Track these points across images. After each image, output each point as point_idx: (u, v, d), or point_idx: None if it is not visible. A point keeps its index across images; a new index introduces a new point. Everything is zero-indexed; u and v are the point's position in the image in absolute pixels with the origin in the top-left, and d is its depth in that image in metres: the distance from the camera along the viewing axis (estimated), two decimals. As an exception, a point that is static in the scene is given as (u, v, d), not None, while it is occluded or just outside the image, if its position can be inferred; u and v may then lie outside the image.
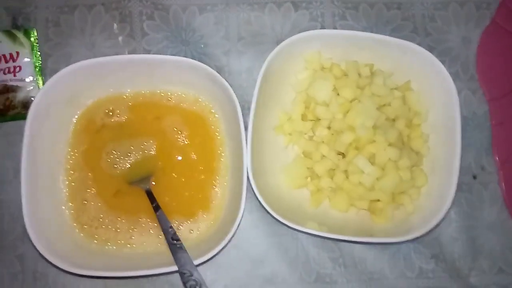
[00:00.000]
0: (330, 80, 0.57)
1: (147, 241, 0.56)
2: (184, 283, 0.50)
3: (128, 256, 0.55)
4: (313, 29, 0.61)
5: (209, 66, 0.56)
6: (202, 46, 0.63)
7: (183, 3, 0.64)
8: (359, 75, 0.58)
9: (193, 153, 0.58)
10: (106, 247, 0.55)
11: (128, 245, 0.56)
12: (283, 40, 0.56)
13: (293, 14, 0.65)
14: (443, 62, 0.61)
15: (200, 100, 0.59)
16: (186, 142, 0.58)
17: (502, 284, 0.60)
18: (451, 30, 0.65)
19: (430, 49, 0.64)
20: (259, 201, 0.53)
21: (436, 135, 0.57)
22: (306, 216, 0.57)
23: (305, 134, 0.59)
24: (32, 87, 0.61)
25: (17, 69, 0.61)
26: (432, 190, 0.56)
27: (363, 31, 0.64)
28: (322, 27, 0.64)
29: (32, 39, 0.62)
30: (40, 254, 0.51)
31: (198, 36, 0.64)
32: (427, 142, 0.58)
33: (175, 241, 0.52)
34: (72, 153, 0.57)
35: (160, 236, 0.55)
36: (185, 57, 0.61)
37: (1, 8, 0.63)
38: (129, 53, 0.62)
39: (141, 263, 0.53)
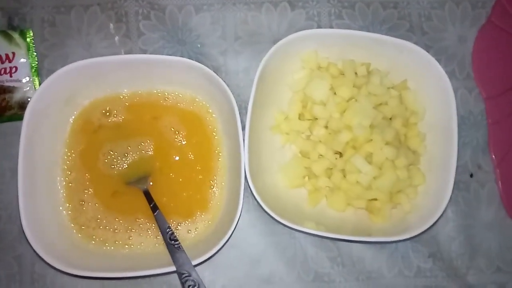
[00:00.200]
0: (327, 79, 0.57)
1: (145, 241, 0.56)
2: (182, 284, 0.50)
3: (126, 256, 0.55)
4: (309, 28, 0.62)
5: (206, 66, 0.56)
6: (199, 45, 0.63)
7: (179, 3, 0.64)
8: (356, 74, 0.58)
9: (190, 153, 0.58)
10: (104, 248, 0.55)
11: (126, 246, 0.55)
12: (280, 40, 0.56)
13: (289, 13, 0.65)
14: (439, 61, 0.61)
15: (197, 100, 0.59)
16: (184, 142, 0.58)
17: (499, 282, 0.61)
18: (447, 29, 0.66)
19: (427, 48, 0.64)
20: (256, 201, 0.53)
21: (433, 134, 0.58)
22: (303, 216, 0.57)
23: (302, 133, 0.59)
24: (28, 88, 0.61)
25: (13, 69, 0.61)
26: (429, 189, 0.56)
27: (359, 30, 0.64)
28: (319, 26, 0.64)
29: (28, 39, 0.62)
30: (37, 255, 0.51)
31: (195, 36, 0.63)
32: (424, 141, 0.58)
33: (173, 242, 0.52)
34: (69, 154, 0.57)
35: (158, 237, 0.55)
36: (182, 57, 0.61)
37: (-3, 8, 0.63)
38: (126, 53, 0.62)
39: (139, 264, 0.53)
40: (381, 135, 0.54)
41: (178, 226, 0.56)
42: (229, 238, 0.52)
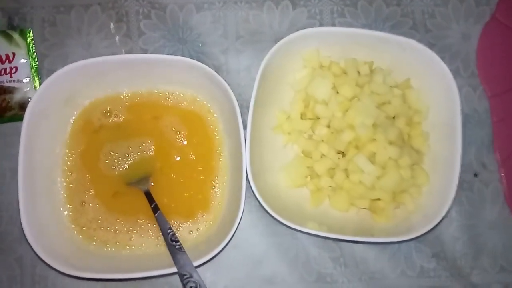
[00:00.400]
0: (329, 78, 0.57)
1: (146, 242, 0.55)
2: (184, 285, 0.49)
3: (127, 257, 0.55)
4: (311, 27, 0.61)
5: (207, 65, 0.55)
6: (200, 44, 0.63)
7: (180, 2, 0.64)
8: (359, 73, 0.57)
9: (191, 153, 0.58)
10: (105, 249, 0.55)
11: (127, 247, 0.55)
12: (282, 38, 0.56)
13: (291, 11, 0.64)
14: (443, 58, 0.60)
15: (198, 99, 0.59)
16: (185, 142, 0.58)
17: (504, 282, 0.60)
18: (451, 26, 0.65)
19: (430, 46, 0.63)
20: (258, 201, 0.53)
21: (437, 133, 0.57)
22: (306, 216, 0.56)
23: (305, 133, 0.59)
24: (28, 88, 0.61)
25: (14, 70, 0.61)
26: (433, 188, 0.55)
27: (362, 28, 0.63)
28: (321, 25, 0.64)
29: (28, 39, 0.62)
30: (38, 256, 0.50)
31: (196, 35, 0.63)
32: (427, 140, 0.57)
33: (174, 243, 0.51)
34: (69, 154, 0.57)
35: (159, 238, 0.55)
36: (183, 56, 0.61)
37: (-3, 8, 0.63)
38: (126, 52, 0.62)
39: (141, 265, 0.53)
40: (384, 134, 0.53)
41: (180, 227, 0.56)
42: (230, 239, 0.51)
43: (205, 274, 0.57)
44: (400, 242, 0.57)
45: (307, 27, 0.58)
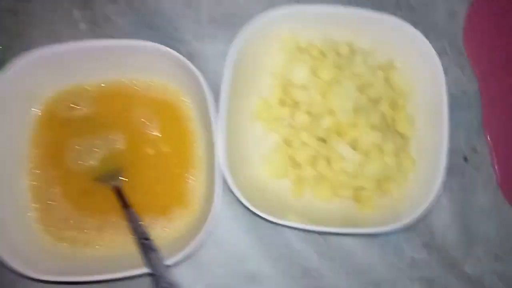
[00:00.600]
0: (307, 61, 0.53)
1: (119, 242, 0.52)
2: (155, 285, 0.46)
3: (99, 258, 0.52)
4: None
5: (180, 51, 0.52)
6: (171, 30, 0.59)
7: (149, -15, 0.60)
8: (338, 54, 0.54)
9: (164, 145, 0.55)
10: (75, 250, 0.52)
11: (99, 247, 0.52)
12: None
13: (268, -8, 0.61)
14: (428, 37, 0.58)
15: (170, 88, 0.56)
16: (157, 134, 0.55)
17: (498, 271, 0.57)
18: (436, 3, 0.61)
19: (414, 25, 0.59)
20: (234, 194, 0.50)
21: (423, 116, 0.54)
22: (288, 208, 0.53)
23: (284, 120, 0.56)
24: (-10, 82, 0.57)
25: (-27, 63, 0.57)
26: (420, 175, 0.52)
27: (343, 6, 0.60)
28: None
29: (-12, 30, 0.58)
30: (2, 262, 0.48)
31: (167, 20, 0.60)
32: (413, 124, 0.54)
33: (145, 241, 0.48)
34: (33, 151, 0.54)
35: (132, 236, 0.52)
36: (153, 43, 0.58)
37: (-47, -2, 0.59)
38: (93, 41, 0.58)
39: (113, 266, 0.50)
40: (366, 118, 0.50)
41: (153, 224, 0.53)
42: (206, 235, 0.48)
43: (185, 273, 0.54)
44: (387, 232, 0.54)
45: (285, 7, 0.54)
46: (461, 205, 0.58)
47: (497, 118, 0.60)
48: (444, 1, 0.62)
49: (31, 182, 0.53)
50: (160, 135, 0.55)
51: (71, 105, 0.55)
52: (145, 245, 0.48)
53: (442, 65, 0.54)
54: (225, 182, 0.50)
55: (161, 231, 0.53)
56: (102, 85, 0.55)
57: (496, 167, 0.59)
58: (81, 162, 0.54)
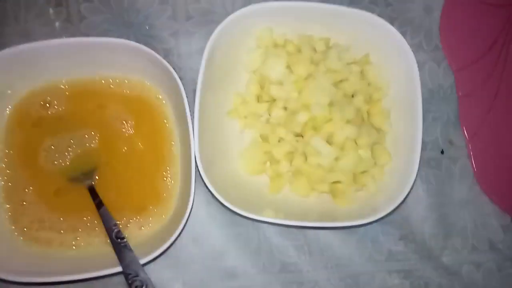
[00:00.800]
0: (283, 57, 0.53)
1: (93, 241, 0.52)
2: (129, 285, 0.46)
3: (73, 258, 0.51)
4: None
5: (156, 48, 0.51)
6: (147, 27, 0.59)
7: (124, -18, 0.59)
8: (314, 50, 0.54)
9: (140, 143, 0.54)
10: (49, 251, 0.51)
11: (73, 247, 0.52)
12: (233, 17, 0.52)
13: (244, -12, 0.60)
14: (405, 33, 0.58)
15: (145, 85, 0.55)
16: (132, 132, 0.54)
17: (476, 262, 0.58)
18: (412, -1, 0.62)
19: (391, 20, 0.60)
20: (209, 191, 0.50)
21: (398, 110, 0.54)
22: (266, 204, 0.53)
23: (261, 116, 0.56)
24: (-39, 82, 0.56)
25: None
26: (396, 168, 0.53)
27: (319, 2, 0.59)
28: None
29: (-42, 29, 0.57)
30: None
31: (143, 17, 0.59)
32: (388, 118, 0.54)
33: (119, 240, 0.48)
34: (6, 151, 0.53)
35: (107, 236, 0.51)
36: (129, 40, 0.57)
37: None
38: (67, 39, 0.58)
39: (88, 265, 0.49)
40: (341, 113, 0.51)
41: (129, 223, 0.52)
42: (181, 232, 0.48)
43: (163, 271, 0.54)
44: (363, 225, 0.55)
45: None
46: (438, 197, 0.59)
47: (473, 111, 0.61)
48: (420, -5, 0.62)
49: (4, 182, 0.52)
50: (136, 133, 0.54)
51: (44, 103, 0.54)
52: (120, 244, 0.48)
53: (419, 59, 0.54)
54: (201, 179, 0.50)
55: (137, 230, 0.52)
56: (76, 83, 0.54)
57: (472, 159, 0.60)
58: (55, 162, 0.53)
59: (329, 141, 0.51)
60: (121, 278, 0.53)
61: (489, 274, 0.58)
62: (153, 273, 0.53)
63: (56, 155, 0.53)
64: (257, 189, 0.55)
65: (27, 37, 0.58)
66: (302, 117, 0.51)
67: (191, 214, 0.49)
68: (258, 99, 0.56)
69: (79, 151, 0.53)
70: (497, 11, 0.63)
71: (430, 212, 0.58)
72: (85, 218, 0.52)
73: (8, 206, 0.52)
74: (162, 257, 0.52)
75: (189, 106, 0.50)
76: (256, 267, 0.55)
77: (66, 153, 0.53)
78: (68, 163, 0.53)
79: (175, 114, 0.54)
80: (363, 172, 0.52)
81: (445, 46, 0.62)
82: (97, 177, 0.53)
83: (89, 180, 0.52)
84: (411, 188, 0.51)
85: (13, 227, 0.52)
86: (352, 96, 0.54)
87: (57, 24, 0.58)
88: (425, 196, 0.58)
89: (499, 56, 0.62)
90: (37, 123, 0.53)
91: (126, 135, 0.54)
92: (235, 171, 0.55)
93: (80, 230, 0.52)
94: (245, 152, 0.55)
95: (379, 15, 0.59)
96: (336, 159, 0.51)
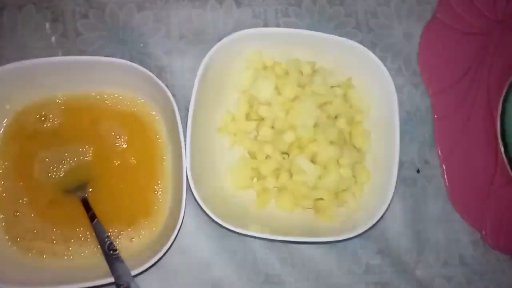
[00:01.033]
0: (271, 79, 0.56)
1: (85, 252, 0.53)
2: (121, 295, 0.48)
3: (66, 268, 0.52)
4: (256, 27, 0.61)
5: (150, 66, 0.53)
6: (142, 45, 0.61)
7: (120, 1, 0.61)
8: (301, 73, 0.57)
9: (132, 157, 0.56)
10: (42, 261, 0.52)
11: (66, 258, 0.53)
12: (225, 38, 0.55)
13: (235, 11, 0.63)
14: (385, 58, 0.62)
15: (138, 102, 0.57)
16: (125, 146, 0.56)
17: (447, 276, 0.62)
18: (393, 25, 0.66)
19: (373, 45, 0.64)
20: (199, 205, 0.52)
21: (378, 131, 0.58)
22: (251, 218, 0.56)
23: (250, 134, 0.58)
24: (-43, 93, 0.57)
25: None
26: (375, 186, 0.56)
27: (306, 28, 0.63)
28: (265, 25, 0.63)
29: (-45, 41, 0.58)
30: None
31: (137, 35, 0.61)
32: (369, 139, 0.58)
33: (111, 252, 0.50)
34: (1, 162, 0.54)
35: (99, 247, 0.53)
36: (123, 57, 0.59)
37: None
38: (63, 54, 0.59)
39: (80, 276, 0.51)
40: (325, 134, 0.54)
41: (120, 235, 0.54)
42: (171, 244, 0.50)
43: (151, 282, 0.56)
44: (343, 240, 0.58)
45: (253, 27, 0.57)
46: (413, 213, 0.62)
47: (447, 133, 0.65)
48: (400, 23, 0.66)
49: (-3, 193, 0.54)
50: (128, 148, 0.56)
51: (40, 117, 0.55)
52: (112, 256, 0.50)
53: (398, 83, 0.58)
54: (191, 193, 0.52)
55: (128, 242, 0.54)
56: (72, 98, 0.56)
57: (445, 178, 0.64)
58: (50, 174, 0.54)
59: (313, 160, 0.54)
60: (111, 288, 0.55)
61: (459, 287, 0.62)
62: (143, 283, 0.55)
63: (51, 167, 0.54)
64: (244, 204, 0.58)
65: (23, 51, 0.59)
66: (289, 137, 0.54)
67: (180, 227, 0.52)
68: (247, 117, 0.58)
69: (73, 164, 0.55)
70: (471, 39, 0.67)
71: (405, 228, 0.61)
72: (77, 229, 0.54)
73: (1, 216, 0.53)
74: (152, 268, 0.54)
75: (181, 122, 0.52)
76: (241, 279, 0.58)
77: (60, 166, 0.55)
78: (62, 175, 0.54)
79: (167, 130, 0.57)
80: (344, 190, 0.56)
81: (423, 71, 0.66)
82: (90, 190, 0.55)
83: (82, 192, 0.54)
84: (389, 205, 0.54)
85: (7, 237, 0.53)
86: (336, 118, 0.57)
87: (53, 39, 0.60)
88: (401, 213, 0.62)
89: (472, 81, 0.66)
90: (33, 136, 0.55)
91: (119, 149, 0.56)
92: (223, 185, 0.58)
93: (72, 240, 0.53)
94: (234, 167, 0.58)
95: (362, 40, 0.63)
96: (320, 177, 0.54)
